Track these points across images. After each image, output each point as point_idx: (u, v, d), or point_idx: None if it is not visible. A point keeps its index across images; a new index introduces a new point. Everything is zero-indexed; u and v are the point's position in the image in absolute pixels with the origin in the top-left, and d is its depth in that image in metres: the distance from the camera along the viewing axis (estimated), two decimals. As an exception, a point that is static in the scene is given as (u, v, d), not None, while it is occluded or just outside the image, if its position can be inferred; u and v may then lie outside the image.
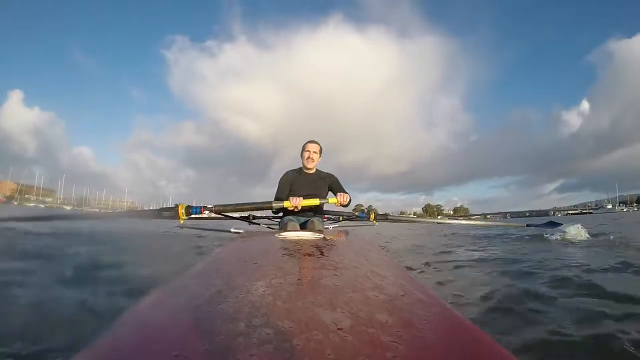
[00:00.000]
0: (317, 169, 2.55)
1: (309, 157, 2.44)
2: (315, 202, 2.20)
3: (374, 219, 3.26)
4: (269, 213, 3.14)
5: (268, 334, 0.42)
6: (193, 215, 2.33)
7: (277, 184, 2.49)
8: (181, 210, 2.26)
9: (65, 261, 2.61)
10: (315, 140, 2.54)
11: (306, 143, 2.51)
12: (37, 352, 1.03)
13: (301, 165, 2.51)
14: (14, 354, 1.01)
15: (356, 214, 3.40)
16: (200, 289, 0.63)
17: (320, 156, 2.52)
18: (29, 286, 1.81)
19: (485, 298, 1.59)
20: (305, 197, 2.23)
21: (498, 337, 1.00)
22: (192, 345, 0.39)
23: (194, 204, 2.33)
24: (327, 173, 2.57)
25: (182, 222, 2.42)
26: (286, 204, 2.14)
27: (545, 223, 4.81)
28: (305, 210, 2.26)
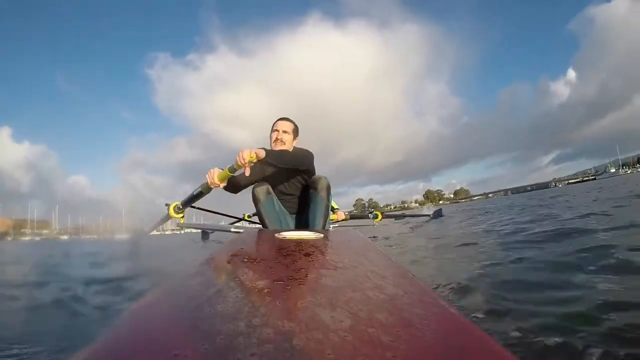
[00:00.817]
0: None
1: (277, 139, 1.98)
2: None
3: (381, 217, 3.28)
4: None
5: (268, 334, 0.42)
6: (192, 212, 2.34)
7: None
8: (171, 209, 2.28)
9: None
10: (288, 117, 2.11)
11: (275, 121, 2.06)
12: (37, 352, 1.03)
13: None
14: (14, 354, 1.01)
15: (355, 212, 3.42)
16: (200, 289, 0.63)
17: (295, 138, 2.07)
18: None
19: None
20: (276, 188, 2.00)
21: (498, 337, 1.00)
22: (192, 345, 0.39)
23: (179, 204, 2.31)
24: (300, 149, 2.08)
25: (182, 221, 2.43)
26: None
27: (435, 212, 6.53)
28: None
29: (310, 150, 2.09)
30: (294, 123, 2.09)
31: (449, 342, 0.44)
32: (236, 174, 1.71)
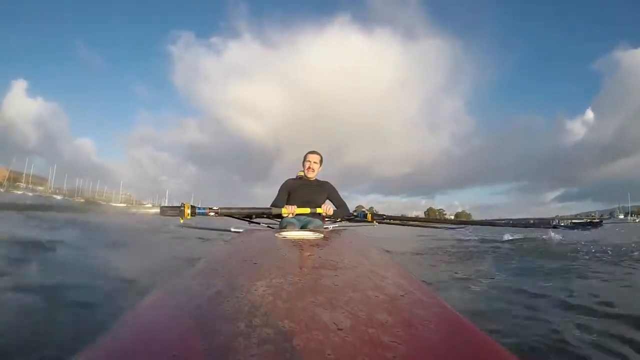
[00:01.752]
0: (316, 178, 2.72)
1: (309, 167, 2.62)
2: (306, 210, 2.41)
3: (372, 219, 3.30)
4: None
5: (268, 334, 0.42)
6: (198, 216, 2.39)
7: (280, 183, 2.65)
8: (187, 210, 2.30)
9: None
10: (317, 151, 2.73)
11: (308, 153, 2.69)
12: (37, 352, 1.03)
13: (301, 174, 2.69)
14: (14, 353, 1.01)
15: (354, 214, 3.42)
16: (200, 289, 0.63)
17: (320, 166, 2.69)
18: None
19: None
20: (302, 204, 2.44)
21: (498, 337, 1.00)
22: (192, 345, 0.39)
23: (199, 205, 2.39)
24: (325, 181, 2.76)
25: (182, 221, 2.44)
26: (284, 210, 2.34)
27: None
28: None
29: (321, 155, 2.69)
30: (321, 155, 2.70)
31: (449, 342, 0.44)
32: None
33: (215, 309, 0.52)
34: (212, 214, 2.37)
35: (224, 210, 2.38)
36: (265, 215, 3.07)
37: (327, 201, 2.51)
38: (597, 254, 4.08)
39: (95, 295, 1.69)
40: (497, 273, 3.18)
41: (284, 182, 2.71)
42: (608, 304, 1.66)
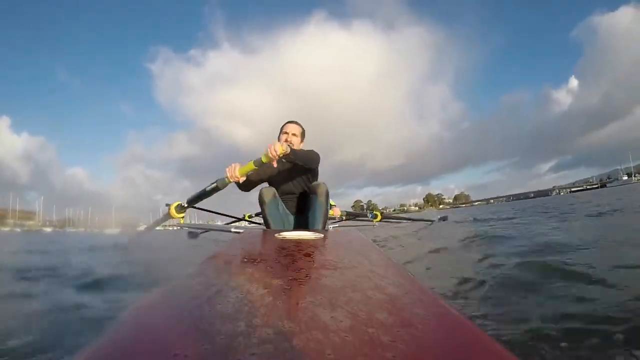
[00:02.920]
0: None
1: (286, 141, 2.05)
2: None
3: (380, 218, 3.27)
4: None
5: (268, 334, 0.42)
6: (186, 212, 2.32)
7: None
8: (173, 209, 2.25)
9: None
10: (296, 120, 2.21)
11: (285, 124, 2.17)
12: (37, 352, 1.03)
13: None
14: (14, 354, 1.01)
15: (355, 212, 3.42)
16: (200, 289, 0.63)
17: (302, 140, 2.19)
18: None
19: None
20: (283, 193, 2.10)
21: (498, 337, 1.00)
22: (192, 345, 0.39)
23: (182, 202, 2.31)
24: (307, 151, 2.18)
25: (182, 222, 2.43)
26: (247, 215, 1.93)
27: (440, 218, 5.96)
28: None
29: (302, 126, 2.19)
30: (301, 126, 2.18)
31: (449, 342, 0.44)
32: (261, 167, 1.75)
33: (215, 309, 0.52)
34: (186, 205, 2.16)
35: (191, 199, 2.13)
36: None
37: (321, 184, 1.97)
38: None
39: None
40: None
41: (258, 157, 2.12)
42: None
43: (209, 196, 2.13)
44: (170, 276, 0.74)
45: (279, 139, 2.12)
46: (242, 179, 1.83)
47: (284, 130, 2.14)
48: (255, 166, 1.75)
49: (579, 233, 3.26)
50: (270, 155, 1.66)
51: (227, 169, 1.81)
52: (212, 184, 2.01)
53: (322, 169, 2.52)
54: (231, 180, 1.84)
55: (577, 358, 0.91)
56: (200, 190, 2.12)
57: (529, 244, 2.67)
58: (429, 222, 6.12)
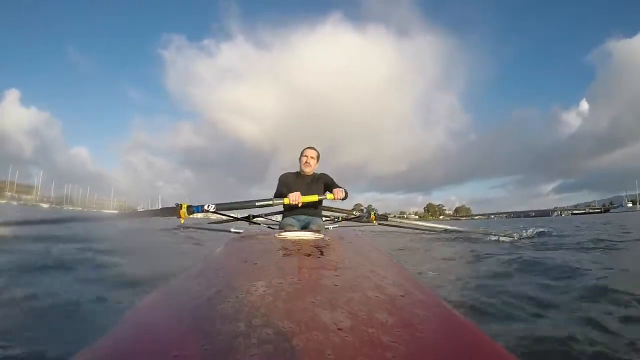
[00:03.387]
0: (313, 172, 2.66)
1: (306, 162, 2.58)
2: (314, 197, 2.29)
3: (374, 219, 3.28)
4: (270, 211, 3.17)
5: (268, 334, 0.42)
6: (195, 214, 2.35)
7: (276, 184, 2.60)
8: (183, 210, 2.27)
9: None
10: (314, 146, 2.70)
11: (305, 149, 2.65)
12: (37, 352, 1.03)
13: (298, 170, 2.62)
14: (14, 353, 1.01)
15: (356, 213, 3.41)
16: (200, 289, 0.63)
17: (317, 162, 2.65)
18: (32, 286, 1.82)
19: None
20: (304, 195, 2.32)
21: (498, 337, 1.00)
22: (192, 345, 0.39)
23: (195, 204, 2.34)
24: (321, 173, 2.69)
25: (182, 221, 2.43)
26: (286, 200, 2.21)
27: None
28: (305, 207, 2.32)
29: (318, 150, 2.63)
30: (317, 151, 2.66)
31: (449, 343, 0.44)
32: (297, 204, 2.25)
33: (215, 309, 0.52)
34: (211, 209, 2.27)
35: (221, 206, 2.27)
36: (265, 212, 3.01)
37: (334, 190, 2.40)
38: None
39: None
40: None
41: (282, 174, 2.66)
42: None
43: (260, 208, 2.44)
44: (170, 276, 0.74)
45: (299, 160, 2.61)
46: (300, 204, 2.24)
47: (304, 154, 2.58)
48: (297, 203, 2.21)
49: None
50: (292, 201, 2.20)
51: (292, 195, 2.23)
52: (267, 200, 2.28)
53: (323, 169, 2.66)
54: (290, 202, 2.22)
55: (577, 358, 0.91)
56: (243, 200, 2.33)
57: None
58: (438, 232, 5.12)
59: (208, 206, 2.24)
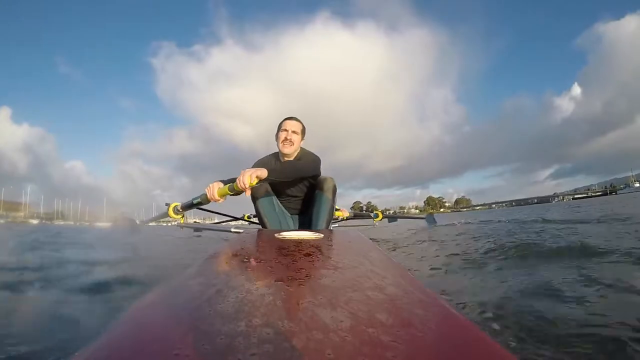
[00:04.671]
0: (297, 152, 2.02)
1: (286, 139, 1.92)
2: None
3: (381, 218, 3.28)
4: None
5: (268, 334, 0.42)
6: (195, 218, 2.36)
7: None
8: (171, 210, 2.27)
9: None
10: (295, 116, 2.05)
11: (283, 120, 2.00)
12: (38, 352, 1.03)
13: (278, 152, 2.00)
14: (14, 354, 1.01)
15: (355, 211, 3.42)
16: (200, 289, 0.63)
17: (302, 138, 2.04)
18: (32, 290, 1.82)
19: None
20: (285, 198, 2.06)
21: (498, 337, 1.00)
22: (192, 345, 0.39)
23: (179, 202, 2.31)
24: (307, 152, 2.06)
25: (182, 222, 2.44)
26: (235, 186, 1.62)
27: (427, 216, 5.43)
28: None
29: (302, 123, 2.06)
30: (302, 123, 2.04)
31: (449, 342, 0.44)
32: (235, 194, 1.71)
33: (215, 309, 0.52)
34: (195, 202, 2.07)
35: (184, 205, 2.14)
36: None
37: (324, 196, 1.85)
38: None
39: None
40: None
41: (256, 161, 2.00)
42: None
43: (196, 207, 2.14)
44: (170, 276, 0.74)
45: (277, 137, 2.00)
46: (221, 200, 1.75)
47: (282, 128, 1.99)
48: (230, 191, 1.68)
49: None
50: (240, 187, 1.56)
51: (206, 189, 1.75)
52: (197, 197, 2.00)
53: (322, 168, 2.51)
54: (210, 200, 1.78)
55: (576, 358, 0.91)
56: (189, 200, 2.15)
57: None
58: (422, 220, 5.24)
59: (194, 199, 2.06)
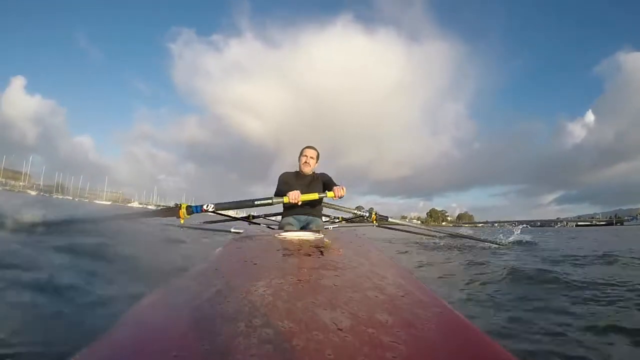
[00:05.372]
0: (312, 172, 2.63)
1: (305, 162, 2.55)
2: (314, 196, 2.26)
3: (375, 220, 3.27)
4: (269, 211, 3.18)
5: (268, 334, 0.42)
6: (194, 214, 2.34)
7: (277, 183, 2.59)
8: (182, 210, 2.27)
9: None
10: (313, 146, 2.67)
11: (304, 148, 2.62)
12: (38, 352, 1.03)
13: (297, 169, 2.60)
14: (15, 354, 1.01)
15: (356, 211, 3.41)
16: (200, 289, 0.63)
17: (317, 162, 2.62)
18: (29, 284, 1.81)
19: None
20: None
21: (497, 337, 1.00)
22: (192, 345, 0.39)
23: (193, 204, 2.33)
24: (320, 173, 2.66)
25: (182, 222, 2.43)
26: (285, 198, 2.17)
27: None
28: (305, 205, 2.32)
29: (317, 150, 2.60)
30: (317, 150, 2.61)
31: (449, 343, 0.44)
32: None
33: (215, 309, 0.52)
34: (210, 209, 2.25)
35: (220, 205, 2.25)
36: (265, 211, 2.96)
37: (335, 187, 2.35)
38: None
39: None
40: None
41: (280, 175, 2.65)
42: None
43: (258, 207, 2.40)
44: (171, 276, 0.74)
45: (299, 159, 2.57)
46: (300, 202, 2.20)
47: (303, 154, 2.54)
48: (297, 201, 2.15)
49: None
50: (291, 200, 2.16)
51: (291, 193, 2.18)
52: (267, 199, 2.23)
53: (325, 170, 2.65)
54: (290, 200, 2.17)
55: (577, 358, 0.91)
56: (243, 199, 2.29)
57: None
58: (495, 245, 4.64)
59: (207, 206, 2.21)
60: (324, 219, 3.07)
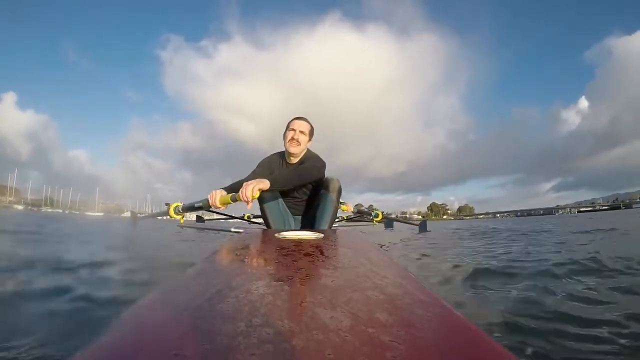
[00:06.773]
0: (301, 157, 2.00)
1: (292, 139, 1.91)
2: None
3: (382, 218, 3.26)
4: None
5: (268, 334, 0.42)
6: (188, 214, 2.34)
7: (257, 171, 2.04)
8: (171, 210, 2.27)
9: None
10: (304, 117, 2.04)
11: (291, 120, 1.99)
12: (37, 352, 1.03)
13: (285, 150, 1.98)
14: (15, 353, 1.01)
15: (362, 207, 3.41)
16: (200, 289, 0.63)
17: (310, 138, 2.02)
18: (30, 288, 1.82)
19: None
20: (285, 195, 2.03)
21: (498, 337, 1.00)
22: (192, 345, 0.39)
23: (181, 202, 2.32)
24: (313, 154, 2.04)
25: (182, 222, 2.44)
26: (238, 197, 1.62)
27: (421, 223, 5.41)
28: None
29: (311, 123, 2.05)
30: (310, 124, 2.02)
31: (449, 342, 0.44)
32: (236, 202, 1.71)
33: (215, 309, 0.52)
34: (197, 205, 2.08)
35: (187, 206, 2.12)
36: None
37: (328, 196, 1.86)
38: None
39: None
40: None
41: (262, 160, 2.04)
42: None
43: (198, 210, 2.15)
44: (170, 276, 0.74)
45: (284, 136, 1.99)
46: (222, 208, 1.77)
47: (290, 127, 1.97)
48: (232, 201, 1.70)
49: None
50: (243, 199, 1.56)
51: (209, 195, 1.77)
52: (199, 202, 2.01)
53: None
54: (211, 206, 1.79)
55: (576, 358, 0.91)
56: (191, 202, 2.16)
57: None
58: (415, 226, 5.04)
59: (196, 203, 2.09)
60: None
